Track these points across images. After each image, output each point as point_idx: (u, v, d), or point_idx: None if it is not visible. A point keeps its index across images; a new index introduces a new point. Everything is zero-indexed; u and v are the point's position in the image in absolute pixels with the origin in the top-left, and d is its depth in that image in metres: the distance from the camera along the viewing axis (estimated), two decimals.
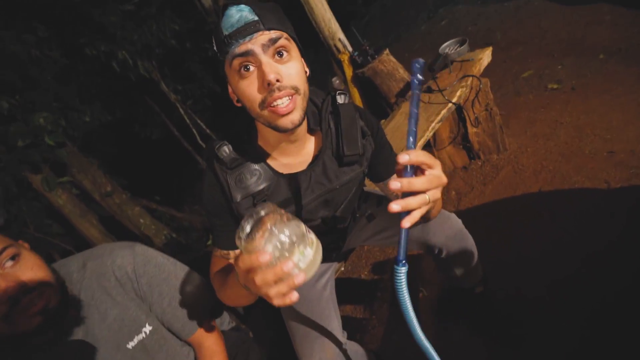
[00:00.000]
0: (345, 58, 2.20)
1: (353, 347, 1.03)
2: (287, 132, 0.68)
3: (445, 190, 2.00)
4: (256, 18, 0.63)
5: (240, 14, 0.63)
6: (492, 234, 1.58)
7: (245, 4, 0.64)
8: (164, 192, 5.11)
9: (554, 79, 2.34)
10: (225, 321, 1.07)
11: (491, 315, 1.22)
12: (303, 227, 0.51)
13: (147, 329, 0.81)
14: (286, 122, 0.66)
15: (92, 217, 3.24)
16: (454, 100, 1.70)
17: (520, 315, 1.23)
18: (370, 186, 1.26)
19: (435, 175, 0.51)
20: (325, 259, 1.11)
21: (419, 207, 0.50)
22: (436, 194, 0.51)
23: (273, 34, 0.64)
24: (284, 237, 0.47)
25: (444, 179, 0.53)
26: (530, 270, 1.36)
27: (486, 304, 1.23)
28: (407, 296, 0.55)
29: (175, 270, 0.86)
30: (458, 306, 1.31)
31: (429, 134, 1.71)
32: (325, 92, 0.85)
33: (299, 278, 0.47)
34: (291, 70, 0.65)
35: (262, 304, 1.05)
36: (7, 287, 0.61)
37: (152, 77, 3.74)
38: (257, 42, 0.63)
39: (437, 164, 0.51)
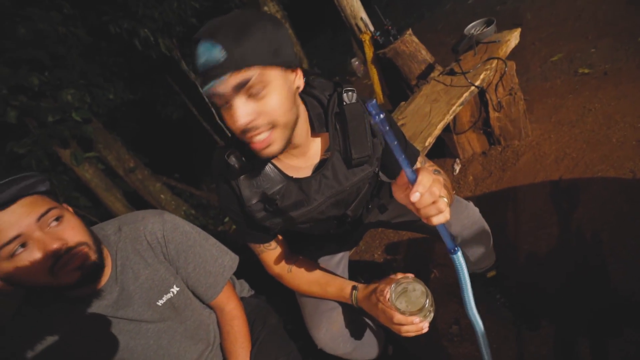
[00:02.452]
0: (366, 38, 2.16)
1: (361, 322, 1.07)
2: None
3: (463, 175, 1.99)
4: (224, 57, 0.58)
5: (209, 53, 0.59)
6: (507, 221, 1.57)
7: (215, 38, 0.58)
8: (183, 171, 5.26)
9: (585, 62, 2.23)
10: (245, 289, 1.14)
11: (503, 299, 1.24)
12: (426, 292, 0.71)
13: (175, 289, 0.87)
14: (265, 153, 0.67)
15: (116, 191, 3.40)
16: (477, 83, 1.66)
17: (533, 302, 1.25)
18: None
19: (435, 180, 0.58)
20: (340, 249, 1.15)
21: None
22: (444, 191, 0.59)
23: (243, 74, 0.59)
24: (426, 306, 0.70)
25: (441, 179, 0.60)
26: (545, 259, 1.36)
27: (498, 287, 1.24)
28: (467, 278, 0.66)
29: (199, 239, 0.92)
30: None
31: (449, 117, 1.69)
32: (333, 86, 0.81)
33: (425, 327, 0.72)
34: (267, 107, 0.63)
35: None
36: (52, 244, 0.67)
37: (173, 56, 3.78)
38: (227, 85, 0.60)
39: (429, 177, 0.57)
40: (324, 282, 0.93)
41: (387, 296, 0.74)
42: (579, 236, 1.36)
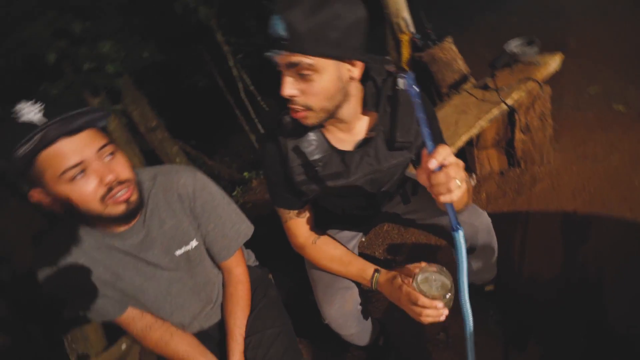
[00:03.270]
0: (405, 39, 2.15)
1: (366, 308, 1.12)
2: None
3: (476, 191, 1.99)
4: (285, 35, 0.62)
5: (275, 27, 0.63)
6: (514, 242, 1.59)
7: (284, 15, 0.61)
8: (199, 139, 5.35)
9: (622, 100, 2.18)
10: (251, 258, 1.19)
11: (498, 314, 1.26)
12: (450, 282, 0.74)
13: (194, 243, 0.92)
14: (302, 122, 0.74)
15: (135, 146, 3.48)
16: (509, 102, 1.66)
17: (525, 322, 1.27)
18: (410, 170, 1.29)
19: (454, 163, 0.58)
20: (355, 228, 1.19)
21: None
22: (461, 174, 0.59)
23: (297, 57, 0.64)
24: (447, 295, 0.73)
25: (461, 163, 0.60)
26: (545, 284, 1.38)
27: (494, 303, 1.27)
28: (465, 259, 0.64)
29: (223, 202, 0.96)
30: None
31: (474, 131, 1.69)
32: (387, 72, 0.83)
33: (445, 313, 0.75)
34: (310, 90, 0.68)
35: (288, 255, 1.16)
36: (107, 175, 0.72)
37: (210, 25, 3.80)
38: (281, 60, 0.66)
39: (450, 155, 0.58)
40: (346, 260, 0.95)
41: (412, 281, 0.78)
42: (583, 269, 1.37)
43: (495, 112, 1.67)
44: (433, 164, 0.56)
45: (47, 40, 2.57)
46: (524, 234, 1.62)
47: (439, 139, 0.93)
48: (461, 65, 2.09)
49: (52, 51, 2.58)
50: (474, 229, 0.99)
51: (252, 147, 5.13)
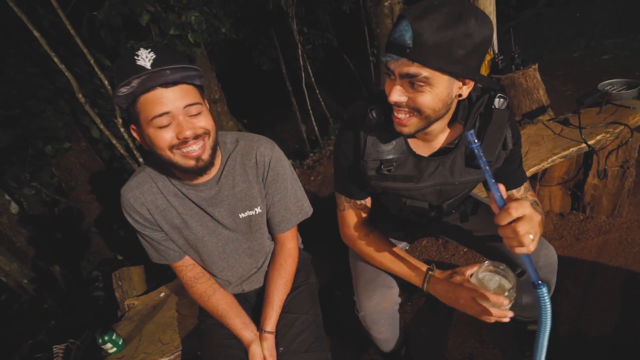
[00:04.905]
0: (487, 58, 2.07)
1: (398, 314, 1.11)
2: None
3: None
4: (409, 44, 0.62)
5: (401, 33, 0.63)
6: (564, 289, 1.49)
7: (414, 24, 0.61)
8: (251, 119, 5.53)
9: None
10: (299, 240, 1.23)
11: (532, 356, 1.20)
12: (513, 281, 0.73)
13: (258, 210, 0.97)
14: (398, 129, 0.76)
15: None
16: (591, 142, 1.55)
17: None
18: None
19: (527, 218, 0.59)
20: (405, 233, 1.19)
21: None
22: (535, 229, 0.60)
23: (415, 68, 0.64)
24: (511, 292, 0.72)
25: (537, 217, 0.60)
26: (590, 341, 1.28)
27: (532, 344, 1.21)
28: (549, 317, 0.62)
29: (292, 178, 1.01)
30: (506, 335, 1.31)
31: (544, 165, 1.60)
32: (483, 89, 0.82)
33: (509, 312, 0.73)
34: (418, 100, 0.68)
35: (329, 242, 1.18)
36: (186, 130, 0.78)
37: (287, 11, 3.91)
38: (397, 67, 0.67)
39: (522, 209, 0.59)
40: (399, 256, 0.95)
41: (472, 279, 0.76)
42: (636, 337, 1.26)
43: (573, 149, 1.57)
44: (502, 221, 0.59)
45: (144, 3, 2.79)
46: (577, 283, 1.52)
47: (518, 176, 0.91)
48: (542, 95, 1.98)
49: (146, 14, 2.80)
50: (536, 258, 0.95)
51: (299, 137, 5.22)
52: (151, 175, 0.92)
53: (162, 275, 2.23)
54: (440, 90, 0.68)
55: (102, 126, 2.61)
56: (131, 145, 3.05)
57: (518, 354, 1.23)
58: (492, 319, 0.73)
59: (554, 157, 1.58)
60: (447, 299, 0.84)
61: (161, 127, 0.77)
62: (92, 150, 4.31)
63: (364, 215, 0.99)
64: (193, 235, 0.96)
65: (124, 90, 0.74)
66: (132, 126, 0.83)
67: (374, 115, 0.80)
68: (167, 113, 0.76)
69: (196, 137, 0.80)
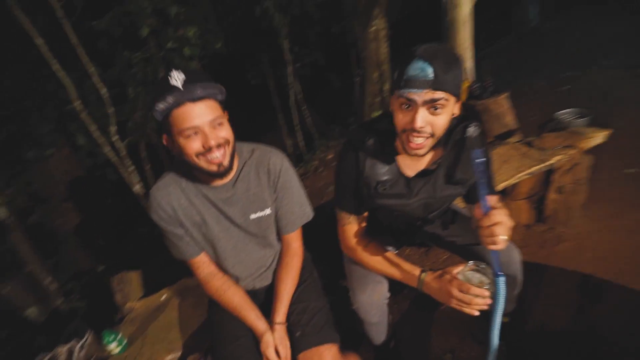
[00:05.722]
0: (464, 86, 2.34)
1: (388, 309, 1.26)
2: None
3: None
4: (432, 78, 0.79)
5: (422, 69, 0.79)
6: (527, 290, 1.69)
7: (431, 62, 0.78)
8: (238, 133, 5.63)
9: None
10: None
11: (504, 347, 1.37)
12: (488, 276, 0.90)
13: (268, 211, 1.11)
14: (414, 153, 0.91)
15: None
16: (551, 162, 1.80)
17: None
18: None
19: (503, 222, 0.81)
20: (394, 240, 1.35)
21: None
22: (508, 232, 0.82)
23: (437, 94, 0.81)
24: (490, 285, 0.88)
25: (509, 223, 0.82)
26: (551, 334, 1.48)
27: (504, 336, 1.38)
28: (503, 300, 0.83)
29: (298, 186, 1.15)
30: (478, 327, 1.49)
31: (511, 181, 1.84)
32: (460, 117, 0.97)
33: (489, 302, 0.87)
34: (437, 122, 0.85)
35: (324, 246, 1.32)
36: (210, 141, 0.91)
37: (279, 31, 4.11)
38: (422, 97, 0.81)
39: (501, 216, 0.81)
40: (394, 262, 1.09)
41: (459, 276, 0.93)
42: (590, 328, 1.46)
43: (535, 169, 1.81)
44: (485, 223, 0.79)
45: (145, 16, 2.90)
46: (539, 284, 1.73)
47: (491, 187, 1.11)
48: (510, 120, 2.25)
49: (146, 27, 2.91)
50: (507, 259, 1.13)
51: (283, 150, 5.37)
52: (175, 179, 1.04)
53: (159, 280, 2.26)
54: (449, 110, 0.86)
55: (97, 133, 2.65)
56: (122, 153, 3.08)
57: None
58: (477, 308, 0.88)
59: (521, 174, 1.82)
60: (439, 295, 0.97)
61: (189, 137, 0.91)
62: (75, 158, 4.24)
63: (361, 229, 1.15)
64: (210, 232, 1.08)
65: (161, 105, 0.87)
66: (164, 135, 0.96)
67: (372, 142, 0.98)
68: (195, 126, 0.90)
69: (219, 145, 0.94)
